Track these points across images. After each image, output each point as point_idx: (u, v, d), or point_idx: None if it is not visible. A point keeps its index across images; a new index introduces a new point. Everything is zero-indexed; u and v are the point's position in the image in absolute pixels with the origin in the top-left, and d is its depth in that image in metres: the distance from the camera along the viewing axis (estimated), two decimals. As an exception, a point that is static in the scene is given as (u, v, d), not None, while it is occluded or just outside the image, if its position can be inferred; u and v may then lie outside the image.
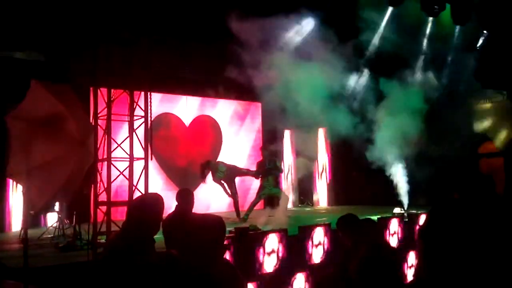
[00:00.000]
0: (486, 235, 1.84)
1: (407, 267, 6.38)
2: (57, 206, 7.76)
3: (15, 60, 8.15)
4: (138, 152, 7.13)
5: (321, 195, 12.86)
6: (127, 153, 6.73)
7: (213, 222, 2.27)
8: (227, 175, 9.17)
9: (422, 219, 6.65)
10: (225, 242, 2.35)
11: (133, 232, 2.50)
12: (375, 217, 6.33)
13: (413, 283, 1.95)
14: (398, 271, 3.54)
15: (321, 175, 12.94)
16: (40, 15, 8.01)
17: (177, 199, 4.54)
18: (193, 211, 4.59)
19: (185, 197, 4.59)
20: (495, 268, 1.76)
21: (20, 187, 7.63)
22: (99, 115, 6.95)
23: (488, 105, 12.28)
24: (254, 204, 9.27)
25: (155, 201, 3.35)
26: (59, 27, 8.29)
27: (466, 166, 10.47)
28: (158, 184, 10.24)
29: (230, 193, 9.30)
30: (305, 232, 5.72)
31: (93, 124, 6.60)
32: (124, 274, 2.23)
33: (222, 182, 9.24)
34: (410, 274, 6.17)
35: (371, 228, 4.26)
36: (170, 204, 4.32)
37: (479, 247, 1.76)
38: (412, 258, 6.43)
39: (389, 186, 9.93)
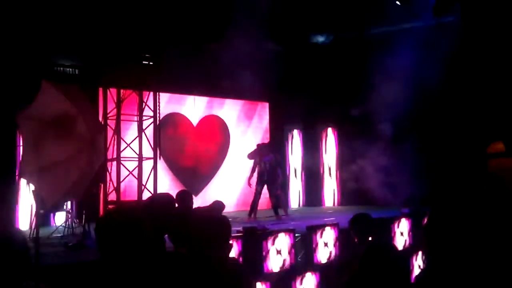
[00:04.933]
0: (490, 233, 1.84)
1: (416, 266, 6.37)
2: (66, 205, 7.83)
3: (25, 61, 8.23)
4: (147, 151, 7.19)
5: (329, 195, 12.85)
6: (136, 153, 6.80)
7: (216, 219, 2.31)
8: None
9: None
10: (231, 241, 2.38)
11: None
12: (382, 217, 6.33)
13: (420, 281, 1.96)
14: (401, 273, 3.53)
15: (329, 174, 12.92)
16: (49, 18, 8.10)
17: (176, 201, 4.64)
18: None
19: (185, 199, 4.72)
20: (499, 266, 1.76)
21: (30, 186, 7.71)
22: (108, 115, 7.03)
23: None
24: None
25: (166, 201, 3.39)
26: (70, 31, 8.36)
27: (475, 165, 10.41)
28: (166, 183, 10.29)
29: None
30: (313, 231, 5.73)
31: (102, 124, 6.66)
32: (135, 273, 2.26)
33: None
34: (417, 273, 6.16)
35: (374, 229, 4.24)
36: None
37: (484, 244, 1.77)
38: (420, 257, 6.42)
39: (399, 185, 9.92)
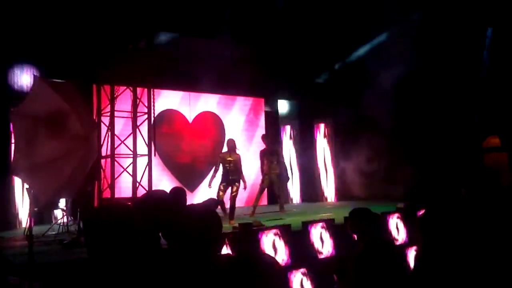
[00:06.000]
0: (487, 228, 1.83)
1: (411, 261, 6.37)
2: (61, 203, 7.79)
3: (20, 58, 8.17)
4: (142, 148, 7.14)
5: (325, 191, 12.86)
6: (130, 150, 6.75)
7: (204, 215, 2.29)
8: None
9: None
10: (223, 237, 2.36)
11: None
12: (378, 212, 6.31)
13: (415, 275, 1.95)
14: (398, 268, 3.52)
15: (325, 170, 12.92)
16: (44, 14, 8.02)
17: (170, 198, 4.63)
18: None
19: (178, 196, 4.71)
20: (495, 260, 1.75)
21: (24, 184, 7.65)
22: (102, 112, 6.97)
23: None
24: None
25: (161, 197, 3.36)
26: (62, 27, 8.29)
27: (471, 160, 10.44)
28: (161, 180, 10.26)
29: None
30: (309, 227, 5.72)
31: (96, 121, 6.61)
32: (131, 270, 2.24)
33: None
34: (412, 268, 6.16)
35: (372, 223, 4.22)
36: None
37: (479, 239, 1.76)
38: (415, 252, 6.43)
39: (394, 180, 9.94)
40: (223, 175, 8.39)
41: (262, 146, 10.05)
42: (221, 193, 8.28)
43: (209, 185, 8.55)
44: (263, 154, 9.52)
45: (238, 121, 12.16)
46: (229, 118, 11.98)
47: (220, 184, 8.34)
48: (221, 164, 8.40)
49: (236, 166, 8.34)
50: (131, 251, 1.87)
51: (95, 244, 1.90)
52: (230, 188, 8.35)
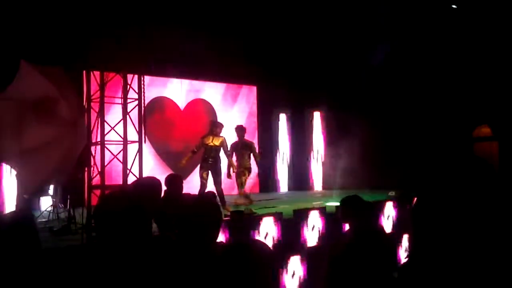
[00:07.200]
0: (477, 217, 1.82)
1: (402, 249, 6.42)
2: (51, 190, 7.71)
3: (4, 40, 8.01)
4: (132, 135, 7.07)
5: (317, 179, 12.89)
6: (120, 136, 6.67)
7: (204, 202, 2.26)
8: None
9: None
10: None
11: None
12: (369, 200, 6.33)
13: (406, 264, 1.93)
14: (387, 257, 3.52)
15: (316, 159, 12.95)
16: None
17: (166, 185, 4.63)
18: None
19: (174, 183, 4.73)
20: (484, 249, 1.74)
21: (13, 170, 7.55)
22: (92, 98, 6.87)
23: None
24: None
25: (151, 184, 3.33)
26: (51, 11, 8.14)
27: (461, 149, 10.51)
28: (153, 167, 10.21)
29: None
30: (300, 215, 5.73)
31: (86, 107, 6.52)
32: (122, 258, 2.22)
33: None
34: (404, 256, 6.21)
35: (363, 211, 4.22)
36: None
37: (470, 228, 1.74)
38: (406, 240, 6.47)
39: (386, 169, 9.97)
40: (202, 160, 7.89)
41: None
42: (204, 181, 7.85)
43: (181, 162, 8.09)
44: (234, 148, 8.51)
45: (230, 108, 12.10)
46: (221, 105, 11.90)
47: (202, 171, 7.89)
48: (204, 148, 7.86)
49: (218, 152, 7.80)
50: (134, 237, 1.89)
51: (105, 230, 1.92)
52: (211, 174, 7.86)
